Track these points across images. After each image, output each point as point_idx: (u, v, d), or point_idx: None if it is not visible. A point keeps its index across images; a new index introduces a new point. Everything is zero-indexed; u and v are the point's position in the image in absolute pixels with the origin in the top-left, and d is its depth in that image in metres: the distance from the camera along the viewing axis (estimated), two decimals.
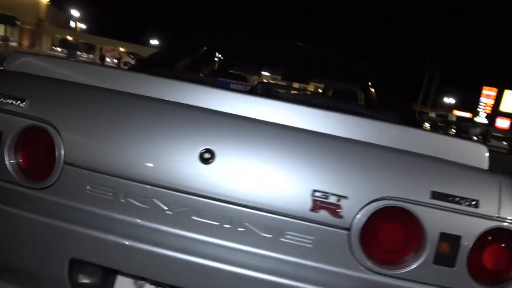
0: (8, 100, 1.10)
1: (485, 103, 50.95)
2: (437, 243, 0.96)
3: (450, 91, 53.98)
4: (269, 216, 1.02)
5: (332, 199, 1.00)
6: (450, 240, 0.95)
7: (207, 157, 1.02)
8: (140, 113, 1.09)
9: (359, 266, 1.01)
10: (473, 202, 0.96)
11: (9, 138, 1.09)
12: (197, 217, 1.04)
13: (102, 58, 31.39)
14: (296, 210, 1.01)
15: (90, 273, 1.10)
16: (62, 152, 1.07)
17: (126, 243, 1.02)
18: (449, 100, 54.19)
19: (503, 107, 48.30)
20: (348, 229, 1.00)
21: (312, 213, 1.00)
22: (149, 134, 1.06)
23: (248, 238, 1.03)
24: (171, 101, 1.09)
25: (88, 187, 1.07)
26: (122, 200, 1.06)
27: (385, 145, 1.05)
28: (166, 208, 1.04)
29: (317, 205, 1.00)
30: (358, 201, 1.00)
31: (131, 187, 1.05)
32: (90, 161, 1.07)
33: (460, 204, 0.96)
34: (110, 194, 1.06)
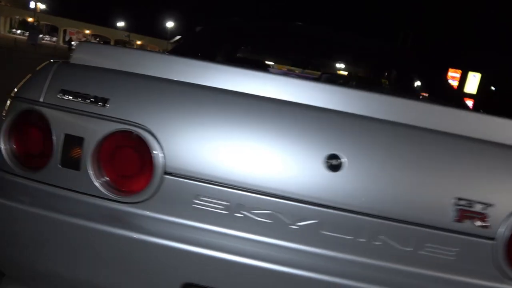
0: (87, 100, 0.93)
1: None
2: None
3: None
4: (408, 228, 0.91)
5: (478, 208, 0.90)
6: None
7: (334, 164, 0.89)
8: (255, 114, 0.93)
9: (503, 278, 0.93)
10: None
11: (90, 145, 0.91)
12: (326, 231, 0.92)
13: (69, 42, 29.70)
14: (439, 220, 0.90)
15: None
16: (162, 160, 0.90)
17: (247, 263, 0.88)
18: (417, 83, 55.90)
19: (467, 89, 50.21)
20: (492, 238, 0.91)
21: (456, 223, 0.90)
22: (268, 138, 0.92)
23: (385, 252, 0.91)
24: (291, 102, 0.94)
25: (195, 201, 0.92)
26: (238, 215, 0.92)
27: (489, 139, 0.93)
28: (289, 222, 0.92)
29: (461, 215, 0.90)
30: (503, 208, 0.91)
31: (248, 199, 0.91)
32: (197, 170, 0.90)
33: None
34: (222, 207, 0.92)
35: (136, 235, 0.89)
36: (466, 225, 0.90)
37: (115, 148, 0.94)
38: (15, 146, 0.97)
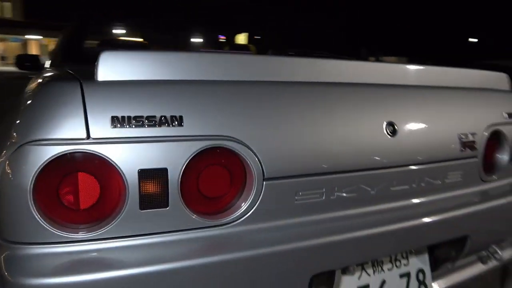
0: (155, 123, 0.77)
1: None
2: None
3: None
4: (439, 165, 1.14)
5: (470, 137, 1.21)
6: None
7: (392, 130, 1.02)
8: (327, 100, 0.98)
9: (481, 181, 1.26)
10: None
11: (175, 173, 0.79)
12: (394, 187, 1.05)
13: None
14: (454, 152, 1.17)
15: (321, 282, 0.96)
16: (259, 167, 0.85)
17: (350, 236, 0.93)
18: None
19: None
20: (476, 157, 1.21)
21: (461, 152, 1.19)
22: (342, 120, 0.98)
23: (431, 188, 1.14)
24: (351, 83, 1.04)
25: (296, 197, 0.91)
26: (332, 197, 0.95)
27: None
28: (370, 189, 1.00)
29: (463, 144, 1.20)
30: (481, 134, 1.23)
31: (338, 180, 0.95)
32: (293, 167, 0.90)
33: None
34: (319, 195, 0.94)
35: (256, 251, 0.84)
36: (465, 152, 1.17)
37: (204, 169, 0.84)
38: (65, 203, 0.76)
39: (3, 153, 0.73)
